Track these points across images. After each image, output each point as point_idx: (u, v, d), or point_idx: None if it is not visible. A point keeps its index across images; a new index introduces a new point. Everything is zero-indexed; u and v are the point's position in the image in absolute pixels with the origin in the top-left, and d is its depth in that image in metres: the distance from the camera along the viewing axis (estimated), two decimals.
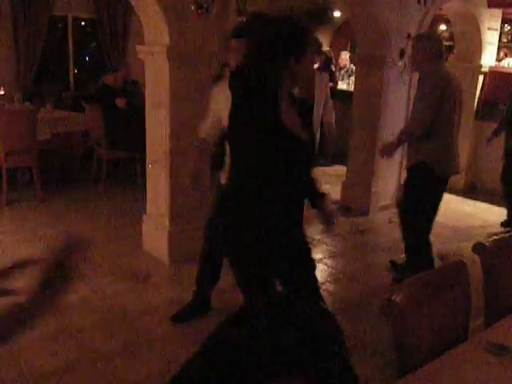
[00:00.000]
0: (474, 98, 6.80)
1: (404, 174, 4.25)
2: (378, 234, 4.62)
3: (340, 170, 6.45)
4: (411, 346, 1.77)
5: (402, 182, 4.20)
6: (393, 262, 4.31)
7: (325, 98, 4.09)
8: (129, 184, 6.35)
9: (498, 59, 7.24)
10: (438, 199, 3.91)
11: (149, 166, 4.38)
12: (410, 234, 4.00)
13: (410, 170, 3.92)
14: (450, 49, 8.43)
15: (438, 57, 3.70)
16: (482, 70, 6.74)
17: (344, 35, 10.03)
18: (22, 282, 3.88)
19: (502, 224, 5.61)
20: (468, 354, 1.76)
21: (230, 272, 3.84)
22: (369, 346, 3.23)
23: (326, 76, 4.22)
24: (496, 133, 5.59)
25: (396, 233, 4.37)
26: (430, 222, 3.99)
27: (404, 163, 4.64)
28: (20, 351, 3.03)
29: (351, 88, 7.71)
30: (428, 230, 4.01)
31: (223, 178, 3.07)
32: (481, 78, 6.79)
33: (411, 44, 3.94)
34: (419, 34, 3.95)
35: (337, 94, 7.60)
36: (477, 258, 2.20)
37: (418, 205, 3.86)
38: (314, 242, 4.85)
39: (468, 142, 6.89)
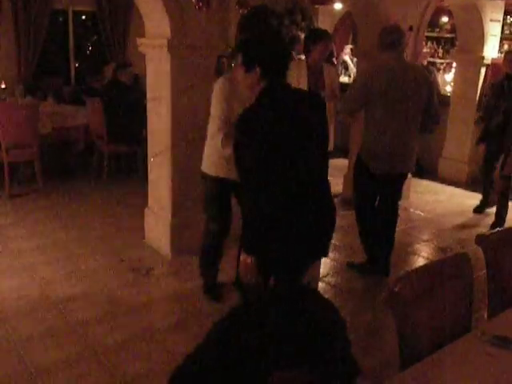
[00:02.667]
0: (476, 90, 6.77)
1: None
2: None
3: (342, 162, 6.44)
4: (414, 337, 1.77)
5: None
6: (350, 264, 4.26)
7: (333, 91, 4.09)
8: (130, 177, 6.35)
9: (501, 51, 7.21)
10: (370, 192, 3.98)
11: (151, 160, 4.38)
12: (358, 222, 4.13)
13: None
14: (451, 41, 8.41)
15: (385, 48, 3.78)
16: (485, 62, 6.70)
17: (345, 28, 9.99)
18: (25, 276, 3.89)
19: (475, 210, 5.76)
20: (471, 345, 1.76)
21: (230, 266, 3.85)
22: (371, 337, 3.24)
23: (333, 69, 4.24)
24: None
25: (398, 225, 4.37)
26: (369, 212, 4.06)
27: None
28: (23, 345, 3.04)
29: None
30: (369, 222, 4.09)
31: None
32: (483, 70, 6.76)
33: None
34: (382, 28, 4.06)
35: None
36: (479, 249, 2.20)
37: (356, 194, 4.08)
38: None
39: (470, 134, 6.87)
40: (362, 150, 3.89)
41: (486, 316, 2.12)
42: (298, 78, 4.12)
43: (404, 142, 3.78)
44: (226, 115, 3.06)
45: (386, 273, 4.03)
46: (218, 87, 3.12)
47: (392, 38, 3.78)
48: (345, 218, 5.25)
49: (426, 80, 3.83)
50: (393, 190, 3.98)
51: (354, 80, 3.83)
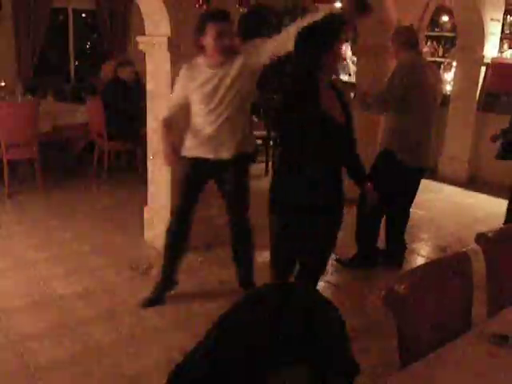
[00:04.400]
0: (477, 89, 6.77)
1: None
2: (382, 224, 4.62)
3: None
4: (413, 335, 1.77)
5: None
6: (338, 260, 4.29)
7: None
8: (130, 175, 6.35)
9: (501, 50, 7.20)
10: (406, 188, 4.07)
11: (150, 158, 4.38)
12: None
13: (377, 156, 4.08)
14: (452, 40, 8.39)
15: (409, 47, 3.92)
16: (485, 61, 6.70)
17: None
18: (24, 274, 3.89)
19: None
20: (470, 344, 1.76)
21: (229, 264, 3.85)
22: (371, 336, 3.23)
23: None
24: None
25: None
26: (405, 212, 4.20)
27: None
28: (23, 343, 3.04)
29: (353, 79, 7.69)
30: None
31: None
32: (483, 69, 6.76)
33: (391, 36, 4.16)
34: (396, 28, 4.30)
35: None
36: (479, 248, 2.20)
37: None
38: None
39: (470, 133, 6.87)
40: (398, 145, 3.91)
41: (485, 315, 2.12)
42: None
43: (433, 135, 4.01)
44: None
45: (400, 264, 4.22)
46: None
47: (416, 36, 4.04)
48: (346, 216, 5.24)
49: (439, 75, 4.16)
50: (418, 185, 4.12)
51: (390, 79, 3.87)
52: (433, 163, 4.07)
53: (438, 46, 8.64)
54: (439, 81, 4.04)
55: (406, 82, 3.76)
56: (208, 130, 3.24)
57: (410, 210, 4.26)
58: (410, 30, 4.10)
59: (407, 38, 3.95)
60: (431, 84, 3.89)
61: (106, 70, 6.96)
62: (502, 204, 5.98)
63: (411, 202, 4.18)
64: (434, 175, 7.06)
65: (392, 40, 4.06)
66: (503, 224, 4.83)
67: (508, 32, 7.40)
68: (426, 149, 3.95)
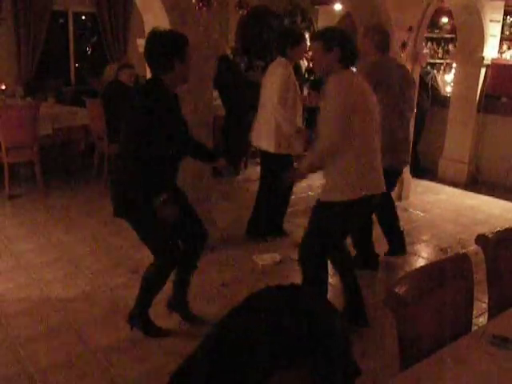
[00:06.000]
0: (477, 90, 6.78)
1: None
2: (378, 227, 4.62)
3: None
4: (414, 338, 1.77)
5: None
6: None
7: None
8: None
9: (501, 51, 7.21)
10: None
11: None
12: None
13: None
14: (451, 41, 8.41)
15: (381, 49, 3.88)
16: (485, 62, 6.71)
17: (345, 28, 9.99)
18: (24, 276, 3.89)
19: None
20: (471, 346, 1.76)
21: (231, 266, 3.86)
22: (371, 338, 3.23)
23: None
24: None
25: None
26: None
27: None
28: (22, 346, 3.04)
29: None
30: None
31: None
32: (483, 70, 6.76)
33: (360, 35, 4.12)
34: (367, 26, 4.18)
35: None
36: (480, 250, 2.20)
37: None
38: None
39: (470, 134, 6.87)
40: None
41: (486, 316, 2.12)
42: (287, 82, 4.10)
43: (408, 133, 4.03)
44: None
45: (404, 250, 4.35)
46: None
47: (389, 38, 3.96)
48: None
49: (411, 75, 4.20)
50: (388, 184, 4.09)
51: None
52: (399, 165, 4.04)
53: (438, 48, 8.66)
54: (407, 82, 3.94)
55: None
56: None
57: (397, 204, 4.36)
58: (384, 31, 4.01)
59: (382, 40, 3.88)
60: (392, 84, 3.83)
61: (109, 73, 6.98)
62: (502, 205, 6.00)
63: (389, 194, 4.09)
64: (435, 177, 7.07)
65: (366, 40, 3.92)
66: None
67: (508, 33, 7.42)
68: (404, 146, 3.95)
